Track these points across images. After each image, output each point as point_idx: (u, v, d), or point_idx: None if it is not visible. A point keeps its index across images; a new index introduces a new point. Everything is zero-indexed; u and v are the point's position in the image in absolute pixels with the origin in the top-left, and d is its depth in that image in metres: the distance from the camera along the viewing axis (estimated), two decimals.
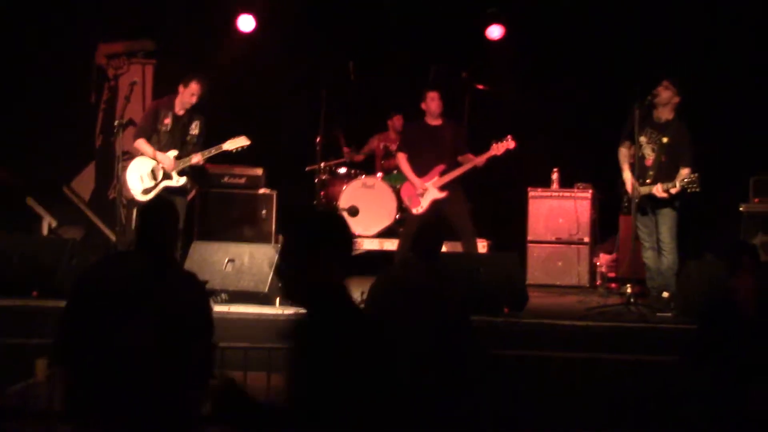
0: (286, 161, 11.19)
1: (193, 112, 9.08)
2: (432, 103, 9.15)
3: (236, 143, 8.98)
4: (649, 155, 8.19)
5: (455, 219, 9.03)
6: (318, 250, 3.01)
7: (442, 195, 9.08)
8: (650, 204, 8.18)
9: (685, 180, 7.82)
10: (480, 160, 9.05)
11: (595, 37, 10.68)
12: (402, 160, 9.33)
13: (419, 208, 9.15)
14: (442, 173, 9.11)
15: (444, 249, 9.33)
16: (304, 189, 11.11)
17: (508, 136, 8.97)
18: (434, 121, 9.23)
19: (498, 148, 9.00)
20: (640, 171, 8.17)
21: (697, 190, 7.79)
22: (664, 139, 8.15)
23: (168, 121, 9.03)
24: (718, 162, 8.70)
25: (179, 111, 9.06)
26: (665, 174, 8.03)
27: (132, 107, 9.62)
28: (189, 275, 4.50)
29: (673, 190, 7.90)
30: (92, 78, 11.80)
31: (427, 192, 9.11)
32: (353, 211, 10.31)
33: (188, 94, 8.94)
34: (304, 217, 3.15)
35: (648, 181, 8.11)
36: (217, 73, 10.09)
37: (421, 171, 9.17)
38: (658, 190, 7.96)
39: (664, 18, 10.30)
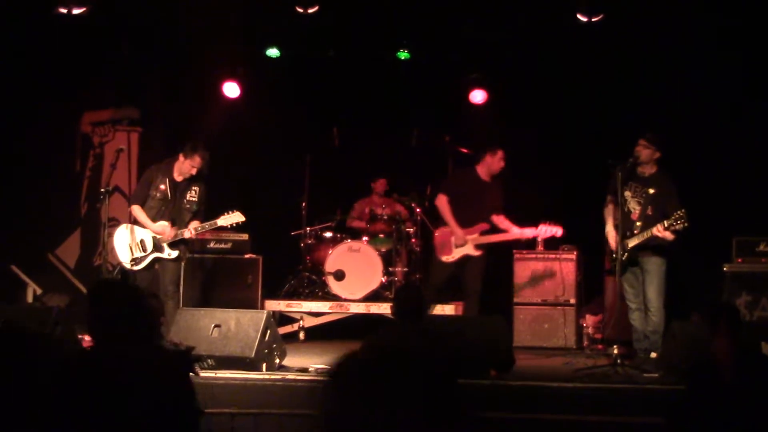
0: (272, 226, 11.21)
1: (192, 178, 8.96)
2: (499, 162, 9.09)
3: (230, 219, 8.95)
4: (635, 209, 8.25)
5: (469, 278, 9.00)
6: None
7: (476, 253, 9.03)
8: (637, 263, 8.21)
9: (674, 216, 7.84)
10: (526, 235, 9.09)
11: (577, 99, 10.81)
12: (444, 202, 9.19)
13: (450, 257, 9.10)
14: (483, 232, 9.10)
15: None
16: (289, 253, 11.12)
17: (558, 226, 9.00)
18: (486, 177, 9.21)
19: (544, 232, 9.02)
20: (626, 224, 8.19)
21: (686, 224, 7.81)
22: (651, 191, 8.22)
23: (164, 187, 8.89)
24: (701, 222, 8.75)
25: (177, 177, 8.94)
26: (652, 225, 8.04)
27: (118, 174, 9.63)
28: None
29: (664, 228, 7.90)
30: (77, 146, 11.81)
31: (465, 245, 9.08)
32: (339, 275, 10.36)
33: (188, 165, 8.82)
34: None
35: (635, 232, 8.15)
36: (202, 138, 10.14)
37: (464, 223, 9.08)
38: (658, 230, 7.94)
39: (644, 80, 10.42)
